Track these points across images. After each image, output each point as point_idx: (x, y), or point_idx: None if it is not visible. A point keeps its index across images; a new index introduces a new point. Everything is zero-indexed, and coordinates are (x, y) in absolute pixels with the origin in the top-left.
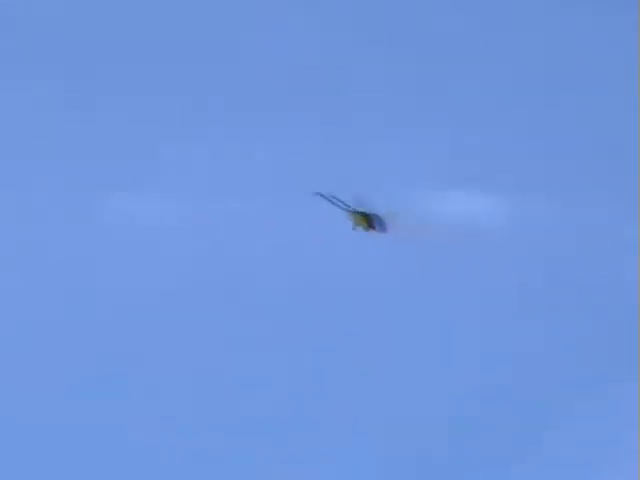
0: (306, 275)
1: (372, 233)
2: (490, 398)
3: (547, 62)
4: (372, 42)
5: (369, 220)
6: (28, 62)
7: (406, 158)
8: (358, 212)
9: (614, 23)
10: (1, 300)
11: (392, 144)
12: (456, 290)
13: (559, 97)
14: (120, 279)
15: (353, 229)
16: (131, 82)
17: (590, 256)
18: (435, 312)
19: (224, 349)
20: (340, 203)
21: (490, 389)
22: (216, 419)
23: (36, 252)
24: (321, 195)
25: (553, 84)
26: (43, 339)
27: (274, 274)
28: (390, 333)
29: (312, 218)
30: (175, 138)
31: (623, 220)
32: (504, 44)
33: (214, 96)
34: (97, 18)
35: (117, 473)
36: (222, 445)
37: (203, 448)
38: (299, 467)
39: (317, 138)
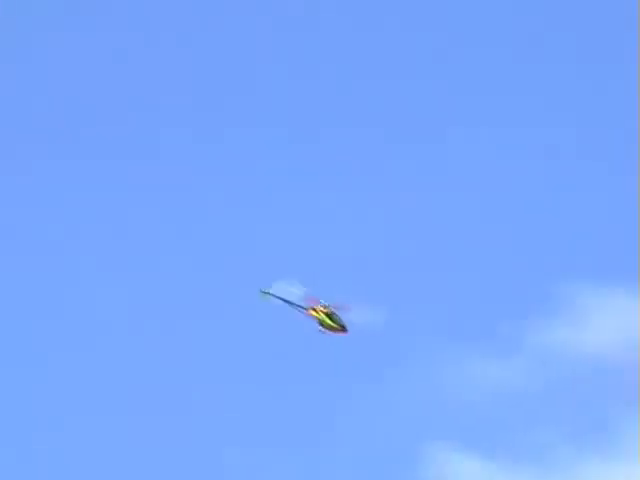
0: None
1: (338, 333)
2: None
3: None
4: None
5: (335, 321)
6: None
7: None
8: (327, 314)
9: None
10: None
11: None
12: None
13: None
14: None
15: (320, 331)
16: None
17: None
18: None
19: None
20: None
21: None
22: None
23: None
24: (271, 294)
25: None
26: None
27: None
28: None
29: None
30: None
31: None
32: None
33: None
34: None
35: None
36: None
37: None
38: None
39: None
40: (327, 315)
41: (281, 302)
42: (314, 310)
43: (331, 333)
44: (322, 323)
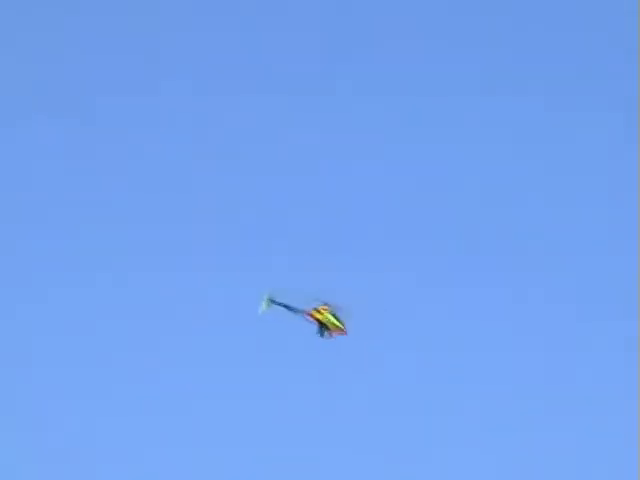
0: None
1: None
2: None
3: None
4: None
5: (340, 320)
6: None
7: None
8: (332, 314)
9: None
10: None
11: None
12: None
13: None
14: None
15: (320, 334)
16: None
17: None
18: None
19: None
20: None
21: None
22: None
23: None
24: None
25: None
26: None
27: None
28: None
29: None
30: None
31: None
32: None
33: None
34: None
35: None
36: None
37: None
38: None
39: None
40: (332, 315)
41: (283, 308)
42: (317, 311)
43: (332, 334)
44: (326, 324)
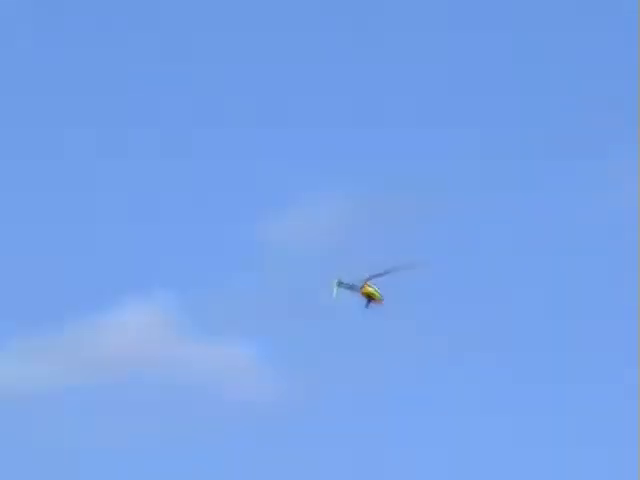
0: None
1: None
2: None
3: None
4: None
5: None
6: None
7: None
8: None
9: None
10: None
11: None
12: None
13: None
14: None
15: (367, 306)
16: None
17: None
18: None
19: None
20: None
21: None
22: None
23: None
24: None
25: None
26: None
27: None
28: None
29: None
30: None
31: None
32: None
33: None
34: None
35: None
36: None
37: None
38: None
39: None
40: (372, 289)
41: (347, 289)
42: (364, 287)
43: (374, 305)
44: (373, 297)
